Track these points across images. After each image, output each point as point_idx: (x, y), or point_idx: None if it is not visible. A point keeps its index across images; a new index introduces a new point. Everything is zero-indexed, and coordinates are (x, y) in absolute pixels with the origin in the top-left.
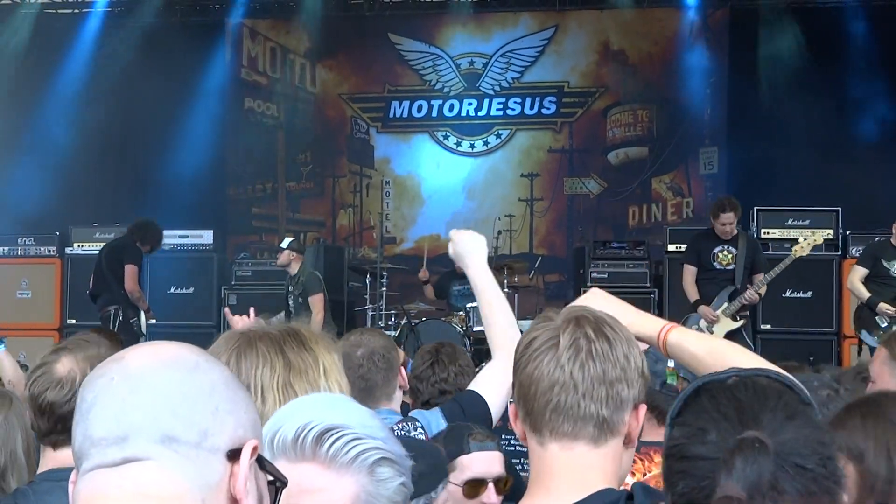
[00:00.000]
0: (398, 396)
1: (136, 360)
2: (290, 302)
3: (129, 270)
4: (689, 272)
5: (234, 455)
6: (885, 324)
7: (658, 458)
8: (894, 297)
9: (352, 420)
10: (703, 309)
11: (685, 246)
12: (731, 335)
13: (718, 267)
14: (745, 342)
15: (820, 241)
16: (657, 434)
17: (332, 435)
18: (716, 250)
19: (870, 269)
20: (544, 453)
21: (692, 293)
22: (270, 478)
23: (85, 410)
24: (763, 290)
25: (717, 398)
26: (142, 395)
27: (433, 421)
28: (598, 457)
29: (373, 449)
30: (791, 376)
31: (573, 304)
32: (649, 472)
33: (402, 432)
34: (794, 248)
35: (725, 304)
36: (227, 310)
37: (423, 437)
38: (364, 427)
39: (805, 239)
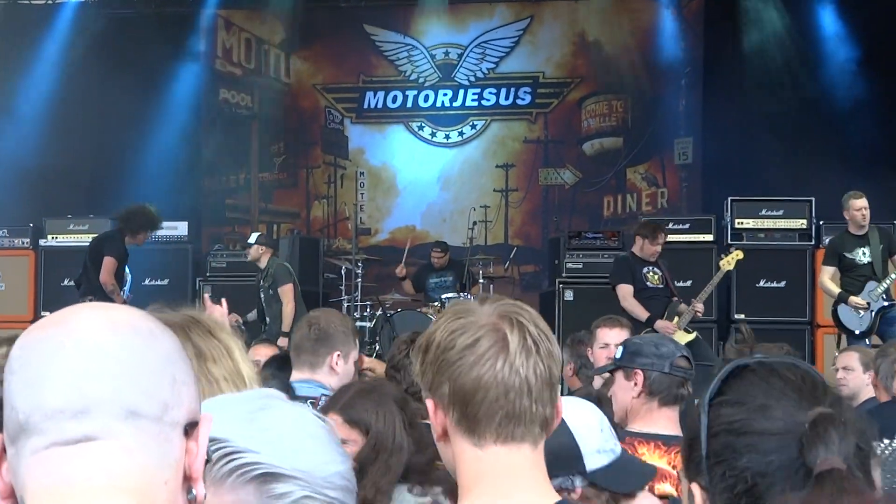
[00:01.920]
0: (343, 372)
1: (85, 324)
2: (262, 295)
3: (106, 262)
4: (628, 290)
5: (190, 429)
6: (861, 315)
7: (642, 450)
8: (866, 282)
9: (245, 433)
10: (661, 323)
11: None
12: (690, 346)
13: (651, 286)
14: (707, 348)
15: (741, 257)
16: (653, 423)
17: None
18: (644, 271)
19: (837, 266)
20: (484, 455)
21: (640, 311)
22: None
23: (30, 378)
24: (701, 307)
25: (768, 378)
26: (100, 364)
27: None
28: (538, 454)
29: (253, 464)
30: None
31: (490, 297)
32: None
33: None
34: (720, 264)
35: (676, 318)
36: (206, 296)
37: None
38: (251, 441)
39: (730, 254)
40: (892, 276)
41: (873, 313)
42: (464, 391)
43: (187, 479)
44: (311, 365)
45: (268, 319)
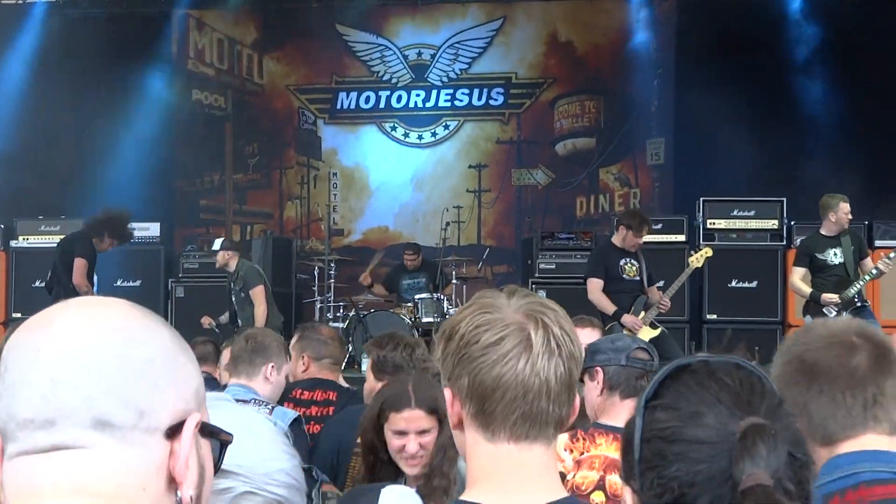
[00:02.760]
0: (276, 383)
1: (65, 326)
2: (233, 298)
3: (77, 264)
4: (598, 285)
5: (174, 431)
6: (834, 313)
7: (600, 441)
8: (837, 283)
9: None
10: (628, 318)
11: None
12: (654, 342)
13: (627, 278)
14: (673, 345)
15: (710, 254)
16: (614, 416)
17: None
18: (621, 262)
19: (808, 267)
20: (496, 450)
21: (607, 305)
22: (213, 440)
23: (9, 384)
24: (668, 302)
25: (705, 382)
26: (71, 373)
27: (286, 419)
28: (550, 453)
29: None
30: (753, 363)
31: (519, 290)
32: (587, 451)
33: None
34: (689, 260)
35: (642, 314)
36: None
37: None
38: None
39: (698, 250)
40: (866, 276)
41: (844, 313)
42: (483, 388)
43: (174, 482)
44: (247, 374)
45: (240, 322)
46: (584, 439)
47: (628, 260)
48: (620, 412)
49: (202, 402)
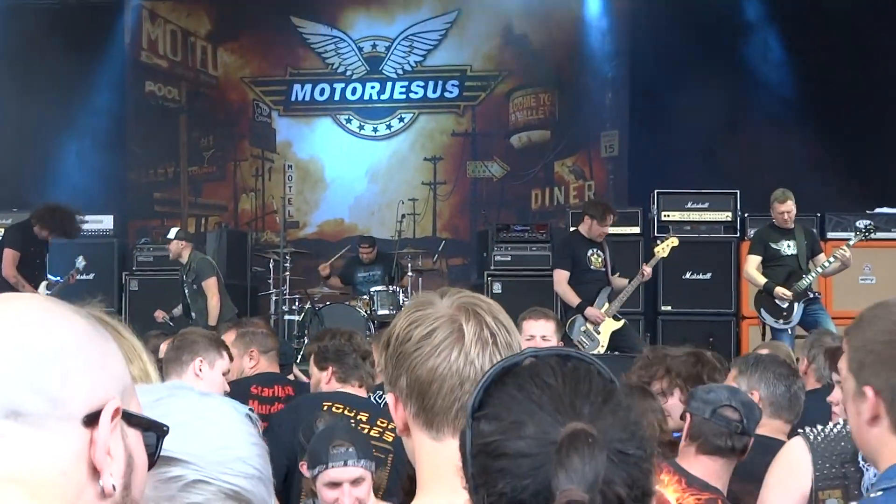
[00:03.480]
0: (209, 379)
1: None
2: (186, 290)
3: (6, 254)
4: (564, 276)
5: (92, 420)
6: (786, 305)
7: (664, 477)
8: (789, 274)
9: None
10: (591, 311)
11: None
12: (616, 334)
13: (593, 269)
14: (635, 336)
15: (676, 244)
16: (686, 464)
17: None
18: (588, 253)
19: (762, 255)
20: (442, 449)
21: (572, 297)
22: (144, 430)
23: None
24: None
25: (526, 386)
26: None
27: None
28: None
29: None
30: (584, 352)
31: (454, 290)
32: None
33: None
34: (655, 250)
35: (606, 305)
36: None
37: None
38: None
39: (664, 241)
40: (818, 269)
41: (797, 305)
42: (420, 383)
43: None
44: (176, 373)
45: (193, 314)
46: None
47: (595, 250)
48: (693, 463)
49: (127, 390)
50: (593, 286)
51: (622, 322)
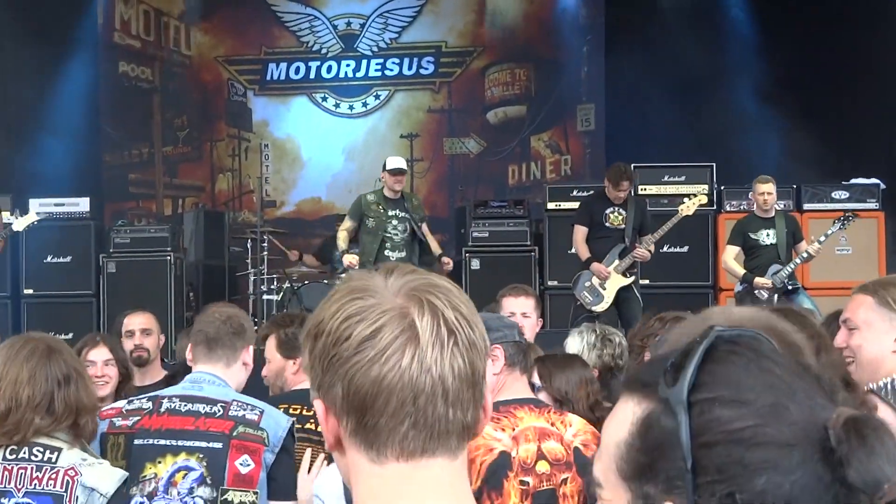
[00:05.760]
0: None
1: None
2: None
3: None
4: (581, 232)
5: None
6: (766, 297)
7: (520, 413)
8: (769, 263)
9: None
10: (595, 266)
11: (565, 204)
12: (622, 290)
13: (610, 227)
14: (635, 297)
15: (704, 201)
16: (516, 390)
17: None
18: (607, 211)
19: (741, 246)
20: (383, 472)
21: (584, 252)
22: None
23: None
24: (652, 248)
25: (762, 364)
26: None
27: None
28: (455, 469)
29: None
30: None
31: (400, 267)
32: (517, 426)
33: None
34: (680, 208)
35: (616, 262)
36: None
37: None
38: None
39: (690, 199)
40: (798, 259)
41: (777, 296)
42: (360, 396)
43: None
44: (227, 358)
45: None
46: (505, 416)
47: (616, 209)
48: (513, 384)
49: None
50: (605, 242)
51: (631, 279)
